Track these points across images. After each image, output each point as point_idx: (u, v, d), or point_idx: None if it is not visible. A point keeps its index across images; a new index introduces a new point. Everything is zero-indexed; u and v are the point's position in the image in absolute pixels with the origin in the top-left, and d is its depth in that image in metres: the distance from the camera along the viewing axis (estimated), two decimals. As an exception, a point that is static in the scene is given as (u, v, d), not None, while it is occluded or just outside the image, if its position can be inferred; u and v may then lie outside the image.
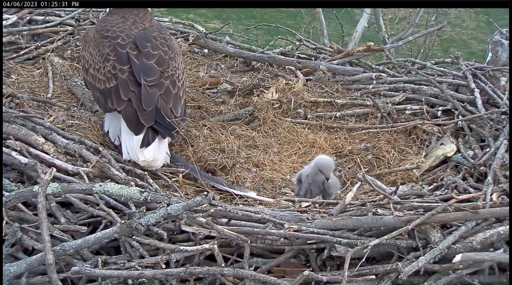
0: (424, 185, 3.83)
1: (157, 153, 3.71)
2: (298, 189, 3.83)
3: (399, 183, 3.72)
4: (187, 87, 4.82)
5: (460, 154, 4.07)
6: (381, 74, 5.21)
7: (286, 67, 5.43)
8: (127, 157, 3.73)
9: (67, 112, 4.29)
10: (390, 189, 3.50)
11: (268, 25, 8.38)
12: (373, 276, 2.88)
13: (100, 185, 3.06)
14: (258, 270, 2.89)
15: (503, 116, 4.30)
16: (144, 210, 2.90)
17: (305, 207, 3.44)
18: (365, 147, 4.36)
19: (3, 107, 3.89)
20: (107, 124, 4.09)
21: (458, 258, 2.85)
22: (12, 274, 2.72)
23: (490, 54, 5.03)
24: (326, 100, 4.93)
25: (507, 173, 3.60)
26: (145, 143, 3.67)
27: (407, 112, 4.78)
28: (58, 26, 5.43)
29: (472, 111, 4.50)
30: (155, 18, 6.00)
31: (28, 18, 5.42)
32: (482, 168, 3.79)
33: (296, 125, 4.68)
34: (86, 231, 3.01)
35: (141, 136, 3.70)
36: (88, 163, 3.56)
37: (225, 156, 4.12)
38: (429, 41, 10.35)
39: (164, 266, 2.81)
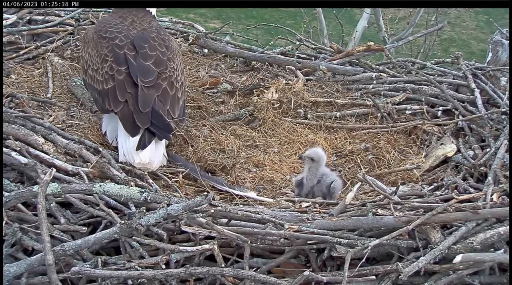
0: (424, 185, 3.83)
1: (153, 155, 3.68)
2: (298, 191, 3.82)
3: (399, 183, 3.72)
4: (187, 87, 4.82)
5: (460, 154, 4.07)
6: (381, 74, 5.21)
7: (286, 67, 5.43)
8: (123, 159, 3.71)
9: (67, 112, 4.29)
10: (390, 189, 3.50)
11: (268, 25, 8.38)
12: (373, 277, 2.88)
13: (100, 185, 3.06)
14: (258, 270, 2.88)
15: (503, 116, 4.30)
16: (144, 211, 2.89)
17: (305, 207, 3.44)
18: (365, 147, 4.36)
19: (3, 107, 3.89)
20: (105, 125, 4.08)
21: (458, 258, 2.84)
22: (12, 275, 2.71)
23: (490, 54, 5.03)
24: (326, 100, 4.93)
25: (508, 173, 3.60)
26: (141, 146, 3.63)
27: (407, 112, 4.78)
28: (58, 26, 5.43)
29: (473, 111, 4.51)
30: (154, 18, 6.01)
31: (28, 18, 5.42)
32: (482, 168, 3.80)
33: (296, 125, 4.68)
34: (86, 232, 3.00)
35: (137, 138, 3.67)
36: (88, 163, 3.55)
37: (225, 156, 4.12)
38: (429, 41, 10.35)
39: (164, 266, 2.81)
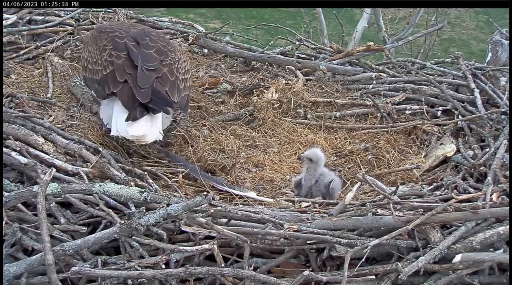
0: (424, 185, 3.83)
1: (148, 129, 3.65)
2: (297, 192, 3.82)
3: (399, 183, 3.72)
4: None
5: (460, 154, 4.07)
6: (381, 74, 5.21)
7: (286, 67, 5.44)
8: (116, 133, 3.68)
9: (67, 112, 4.29)
10: (390, 189, 3.50)
11: (268, 25, 8.38)
12: (373, 276, 2.88)
13: (100, 185, 3.06)
14: (258, 270, 2.88)
15: (503, 116, 4.30)
16: (144, 210, 2.89)
17: (305, 207, 3.44)
18: (365, 147, 4.36)
19: (3, 107, 3.89)
20: (102, 112, 4.05)
21: (458, 258, 2.84)
22: (12, 274, 2.71)
23: (490, 54, 5.03)
24: (326, 100, 4.93)
25: (507, 173, 3.60)
26: (132, 118, 3.60)
27: (407, 112, 4.79)
28: (58, 26, 5.43)
29: (472, 111, 4.51)
30: (155, 18, 6.07)
31: (28, 18, 5.42)
32: (482, 168, 3.80)
33: (296, 125, 4.69)
34: (85, 231, 3.00)
35: (133, 111, 3.64)
36: (88, 163, 3.55)
37: (225, 156, 4.13)
38: (429, 41, 10.35)
39: (163, 266, 2.81)
